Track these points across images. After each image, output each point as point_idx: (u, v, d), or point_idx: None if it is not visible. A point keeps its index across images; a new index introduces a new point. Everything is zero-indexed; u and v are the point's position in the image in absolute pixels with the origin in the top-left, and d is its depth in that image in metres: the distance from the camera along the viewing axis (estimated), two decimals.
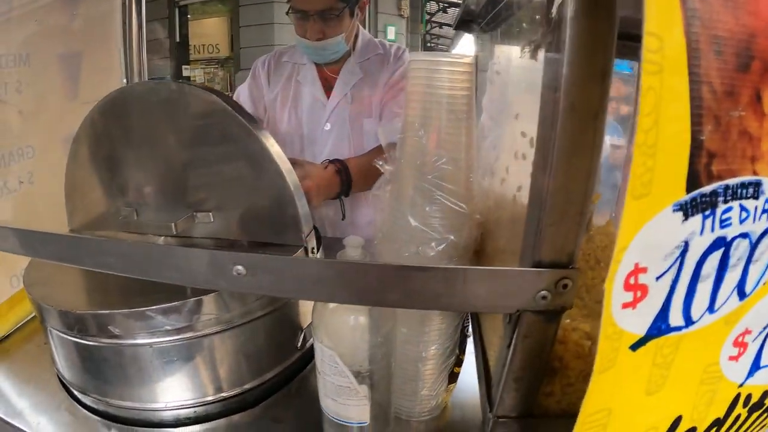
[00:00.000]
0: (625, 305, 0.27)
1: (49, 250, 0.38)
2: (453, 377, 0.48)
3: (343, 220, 0.96)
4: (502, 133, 0.40)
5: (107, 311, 0.45)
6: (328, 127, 0.98)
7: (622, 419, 0.30)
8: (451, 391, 0.49)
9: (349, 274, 0.28)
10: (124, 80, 0.78)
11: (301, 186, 0.70)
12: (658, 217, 0.25)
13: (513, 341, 0.30)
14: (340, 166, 0.86)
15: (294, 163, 0.88)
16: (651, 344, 0.28)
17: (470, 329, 0.48)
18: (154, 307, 0.45)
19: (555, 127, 0.26)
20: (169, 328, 0.46)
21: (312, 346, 0.57)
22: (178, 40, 5.46)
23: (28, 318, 0.65)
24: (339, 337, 0.40)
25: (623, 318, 0.27)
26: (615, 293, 0.26)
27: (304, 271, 0.28)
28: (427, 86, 0.38)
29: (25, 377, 0.56)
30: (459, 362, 0.47)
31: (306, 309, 0.55)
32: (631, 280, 0.26)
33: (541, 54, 0.29)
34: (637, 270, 0.26)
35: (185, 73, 5.38)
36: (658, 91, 0.22)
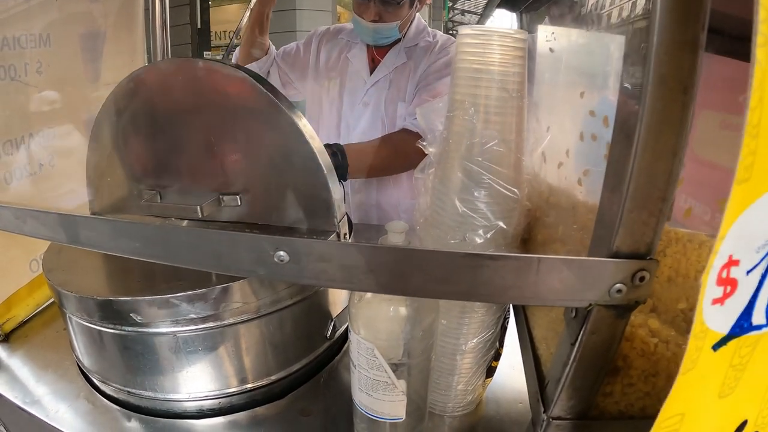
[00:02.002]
0: (715, 301, 0.24)
1: (73, 234, 0.36)
2: (491, 371, 0.45)
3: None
4: (559, 114, 0.37)
5: (130, 298, 0.43)
6: (364, 104, 1.01)
7: (694, 423, 0.27)
8: (486, 386, 0.47)
9: (407, 261, 0.25)
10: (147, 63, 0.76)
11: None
12: (755, 204, 0.22)
13: (579, 338, 0.28)
14: (336, 150, 0.87)
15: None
16: (731, 344, 0.26)
17: (510, 322, 0.45)
18: (178, 294, 0.43)
19: (642, 101, 0.24)
20: (194, 316, 0.44)
21: (341, 336, 0.56)
22: (199, 26, 5.47)
23: (48, 303, 0.63)
24: (377, 329, 0.38)
25: (710, 315, 0.24)
26: (708, 288, 0.23)
27: (355, 259, 0.26)
28: (478, 62, 0.36)
29: (44, 364, 0.55)
30: (497, 356, 0.45)
31: (336, 298, 0.52)
32: (724, 274, 0.24)
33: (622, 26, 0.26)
34: (731, 263, 0.24)
35: None
36: (764, 65, 0.19)
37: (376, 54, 1.02)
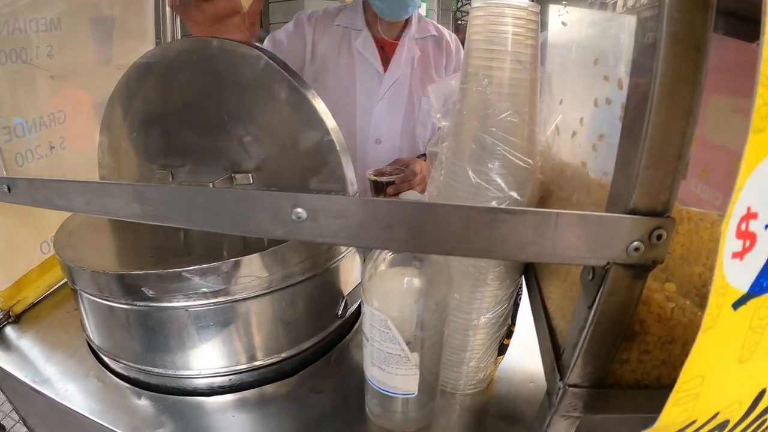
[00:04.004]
0: (735, 255, 0.24)
1: (85, 200, 0.36)
2: (502, 349, 0.45)
3: None
4: (573, 84, 0.37)
5: (142, 272, 0.44)
6: (383, 98, 0.97)
7: (713, 389, 0.27)
8: (498, 364, 0.47)
9: (426, 216, 0.25)
10: None
11: (419, 181, 0.74)
12: None
13: (597, 300, 0.28)
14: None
15: (398, 161, 0.87)
16: (751, 303, 0.26)
17: (521, 299, 0.45)
18: (191, 267, 0.43)
19: (656, 59, 0.24)
20: (206, 290, 0.44)
21: (353, 314, 0.56)
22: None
23: (58, 285, 0.64)
24: (391, 301, 0.38)
25: (731, 270, 0.24)
26: (728, 240, 0.23)
27: (374, 214, 0.26)
28: (491, 34, 0.36)
29: (54, 343, 0.55)
30: (509, 333, 0.45)
31: (347, 276, 0.53)
32: (743, 226, 0.24)
33: None
34: (749, 215, 0.24)
35: None
36: None
37: (388, 42, 0.97)
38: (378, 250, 0.41)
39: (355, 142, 0.99)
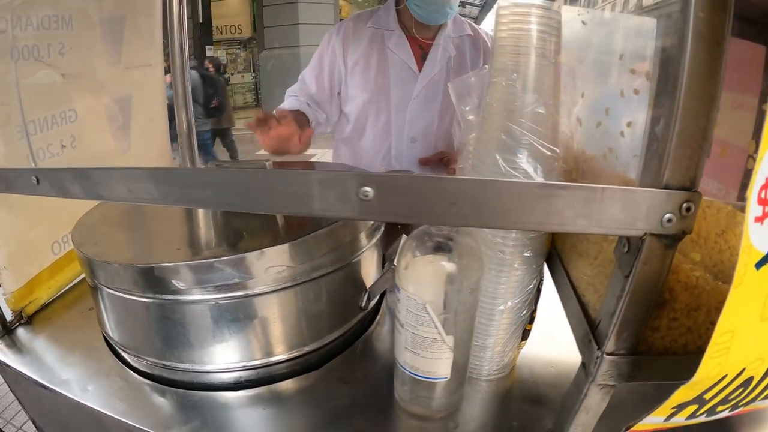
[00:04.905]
0: (757, 219, 0.27)
1: (132, 188, 0.36)
2: (525, 334, 0.48)
3: None
4: (598, 79, 0.40)
5: (172, 264, 0.44)
6: (418, 97, 0.97)
7: (741, 344, 0.30)
8: (521, 349, 0.49)
9: (488, 192, 0.27)
10: None
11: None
12: None
13: (633, 269, 0.30)
14: (448, 157, 0.93)
15: (443, 156, 0.89)
16: None
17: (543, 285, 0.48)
18: (223, 258, 0.43)
19: (684, 53, 0.27)
20: (237, 280, 0.44)
21: (375, 307, 0.57)
22: (201, 20, 5.45)
23: (69, 286, 0.62)
24: (428, 285, 0.40)
25: (754, 232, 0.27)
26: (752, 206, 0.26)
27: (440, 190, 0.28)
28: (518, 32, 0.39)
29: (70, 344, 0.54)
30: (532, 319, 0.47)
31: (368, 270, 0.54)
32: (763, 194, 0.27)
33: None
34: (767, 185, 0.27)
35: (208, 53, 5.42)
36: None
37: (422, 42, 0.97)
38: (410, 239, 0.42)
39: (391, 140, 1.00)
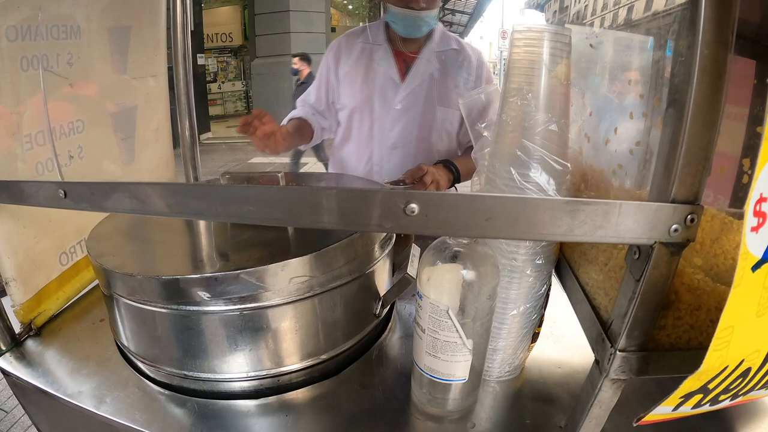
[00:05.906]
0: (753, 228, 0.31)
1: (176, 203, 0.37)
2: (535, 337, 0.51)
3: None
4: (606, 100, 0.44)
5: (198, 276, 0.44)
6: (399, 107, 1.03)
7: (740, 338, 0.34)
8: (530, 351, 0.52)
9: (521, 208, 0.30)
10: None
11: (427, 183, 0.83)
12: None
13: (643, 274, 0.34)
14: (449, 164, 0.98)
15: (420, 169, 0.92)
16: (764, 267, 0.33)
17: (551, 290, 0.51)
18: (249, 269, 0.44)
19: (691, 84, 0.31)
20: (261, 291, 0.45)
21: (387, 314, 0.59)
22: (192, 28, 5.40)
23: (77, 297, 0.61)
24: (448, 292, 0.42)
25: (750, 240, 0.31)
26: (749, 217, 0.30)
27: (478, 207, 0.30)
28: (531, 55, 0.42)
29: (83, 355, 0.53)
30: (540, 322, 0.50)
31: (380, 279, 0.56)
32: (757, 207, 0.31)
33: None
34: (762, 199, 0.31)
35: (200, 62, 5.34)
36: None
37: (406, 55, 1.03)
38: (430, 249, 0.45)
39: (373, 148, 1.04)
